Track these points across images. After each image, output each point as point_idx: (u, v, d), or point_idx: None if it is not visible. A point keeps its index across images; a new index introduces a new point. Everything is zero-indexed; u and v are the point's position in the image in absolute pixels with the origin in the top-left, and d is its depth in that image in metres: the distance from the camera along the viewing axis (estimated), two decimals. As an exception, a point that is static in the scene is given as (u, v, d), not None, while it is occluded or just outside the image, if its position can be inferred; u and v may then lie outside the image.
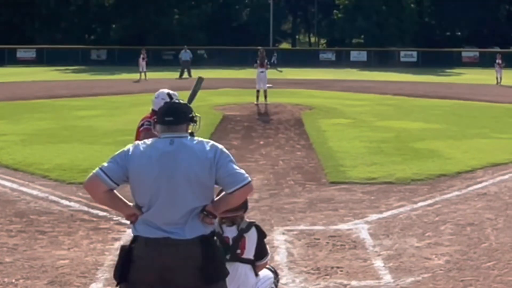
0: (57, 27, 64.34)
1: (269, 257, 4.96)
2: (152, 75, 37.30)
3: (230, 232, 4.69)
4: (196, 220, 3.82)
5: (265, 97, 22.96)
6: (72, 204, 8.86)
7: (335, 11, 66.41)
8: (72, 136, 15.14)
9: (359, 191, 9.69)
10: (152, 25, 59.84)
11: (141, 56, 37.39)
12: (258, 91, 22.96)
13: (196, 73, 34.46)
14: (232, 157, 3.90)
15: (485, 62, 53.65)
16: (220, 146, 3.92)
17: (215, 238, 3.94)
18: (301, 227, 7.81)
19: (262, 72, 23.09)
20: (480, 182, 10.38)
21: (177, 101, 4.37)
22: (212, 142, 3.94)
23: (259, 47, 27.25)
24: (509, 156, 12.61)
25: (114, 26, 66.19)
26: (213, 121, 17.37)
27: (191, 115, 4.03)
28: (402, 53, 60.65)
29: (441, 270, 6.36)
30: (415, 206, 8.85)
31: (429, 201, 9.09)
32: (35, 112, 20.34)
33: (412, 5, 64.19)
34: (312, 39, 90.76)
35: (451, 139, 14.87)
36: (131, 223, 3.93)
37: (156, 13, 60.34)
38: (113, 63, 54.01)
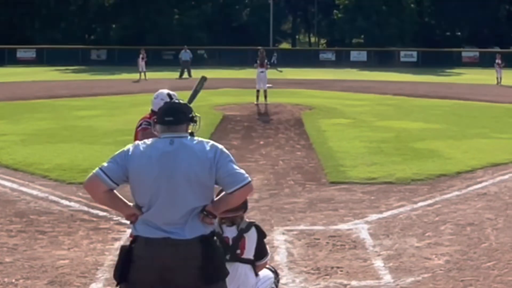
0: (57, 27, 64.33)
1: (269, 257, 4.96)
2: (152, 75, 37.26)
3: (230, 232, 4.69)
4: (196, 220, 3.82)
5: (265, 97, 22.94)
6: (72, 204, 8.86)
7: (335, 11, 66.43)
8: (72, 136, 15.13)
9: (359, 191, 9.68)
10: (152, 25, 59.82)
11: (140, 56, 37.32)
12: (258, 91, 22.93)
13: (196, 73, 34.57)
14: (232, 157, 3.90)
15: (485, 62, 53.63)
16: (220, 146, 3.92)
17: (215, 238, 3.93)
18: (301, 227, 7.81)
19: (262, 72, 23.07)
20: (480, 182, 10.38)
21: (177, 101, 4.36)
22: (212, 142, 3.94)
23: (259, 47, 27.23)
24: (509, 156, 12.61)
25: (114, 26, 66.22)
26: (213, 121, 17.36)
27: (191, 115, 4.02)
28: (402, 53, 60.61)
29: (441, 270, 6.36)
30: (415, 206, 8.84)
31: (429, 201, 9.08)
32: (35, 112, 20.34)
33: (412, 5, 64.20)
34: (312, 39, 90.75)
35: (451, 139, 14.87)
36: (131, 223, 3.93)
37: (156, 13, 60.30)
38: (113, 63, 53.93)
